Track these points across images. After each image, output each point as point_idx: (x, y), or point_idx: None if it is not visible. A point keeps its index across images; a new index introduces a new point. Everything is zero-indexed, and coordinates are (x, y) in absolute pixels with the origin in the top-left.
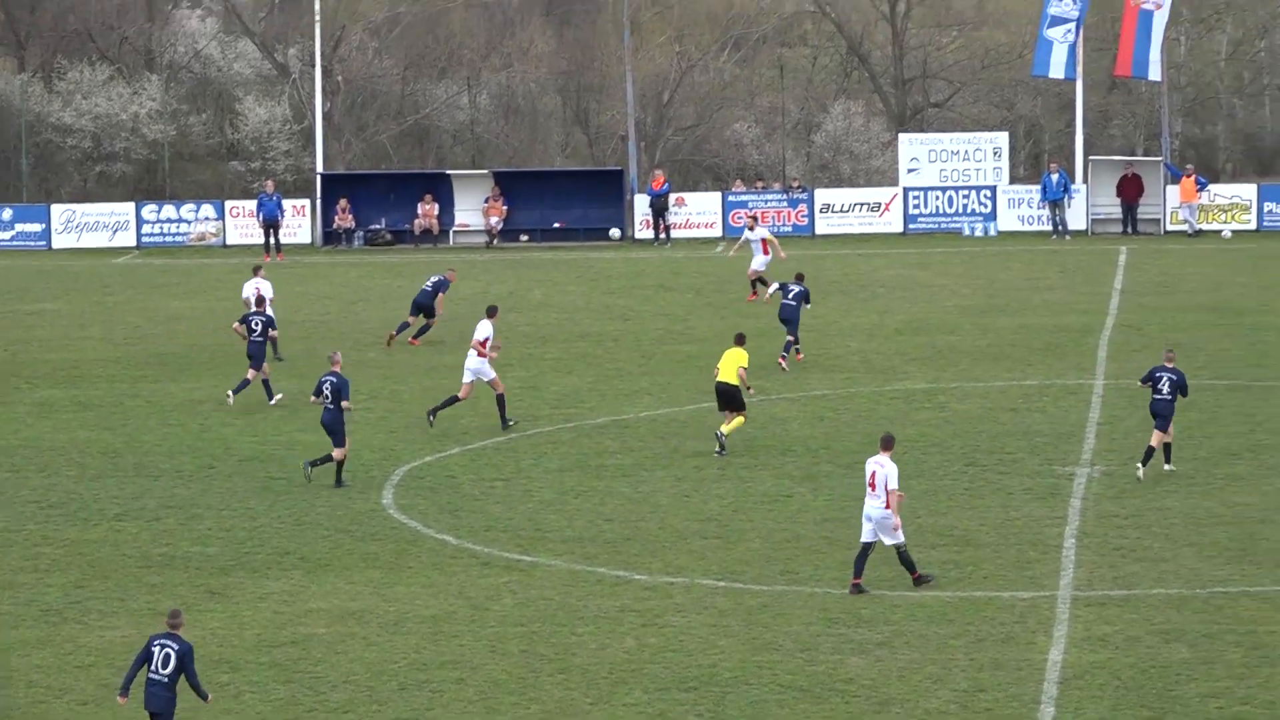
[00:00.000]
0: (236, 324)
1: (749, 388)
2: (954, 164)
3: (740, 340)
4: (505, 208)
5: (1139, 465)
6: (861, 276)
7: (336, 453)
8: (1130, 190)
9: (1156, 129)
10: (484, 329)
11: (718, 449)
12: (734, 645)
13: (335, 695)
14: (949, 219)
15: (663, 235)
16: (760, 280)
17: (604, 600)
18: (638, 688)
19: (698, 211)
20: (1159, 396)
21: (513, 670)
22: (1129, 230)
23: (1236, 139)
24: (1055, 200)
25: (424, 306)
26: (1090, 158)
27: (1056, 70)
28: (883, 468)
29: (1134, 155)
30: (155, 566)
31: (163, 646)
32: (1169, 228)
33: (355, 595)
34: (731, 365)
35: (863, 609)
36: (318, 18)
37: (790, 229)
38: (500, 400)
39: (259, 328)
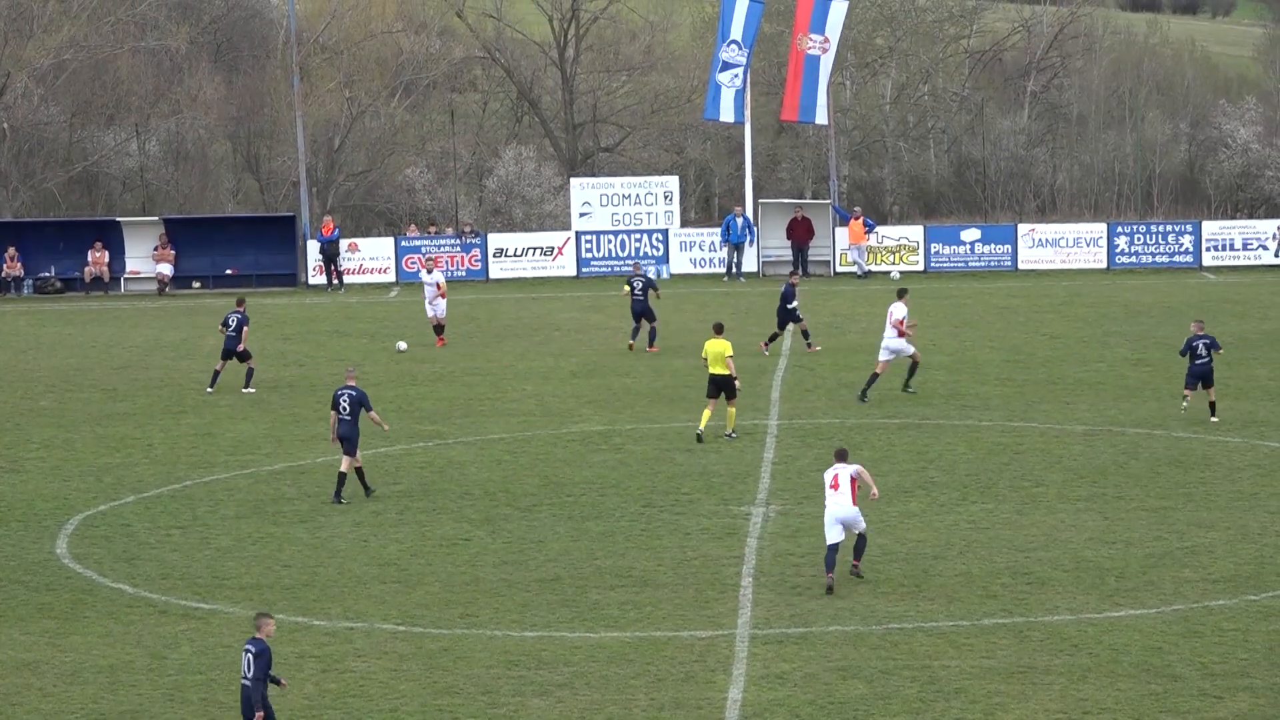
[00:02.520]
0: None
1: (735, 377)
2: (626, 208)
3: (719, 329)
4: (174, 253)
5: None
6: (536, 320)
7: (345, 463)
8: (800, 232)
9: (825, 172)
10: (899, 309)
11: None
12: (415, 689)
13: None
14: (622, 262)
15: (335, 281)
16: (439, 327)
17: (283, 647)
18: None
19: (371, 257)
20: (1200, 361)
21: (192, 719)
22: (799, 272)
23: (902, 181)
24: (738, 244)
25: (233, 351)
26: (760, 200)
27: (726, 114)
28: (846, 468)
29: (803, 198)
30: None
31: (246, 651)
32: (839, 269)
33: (30, 646)
34: (718, 356)
35: (543, 650)
36: None
37: (464, 274)
38: (913, 368)
39: None
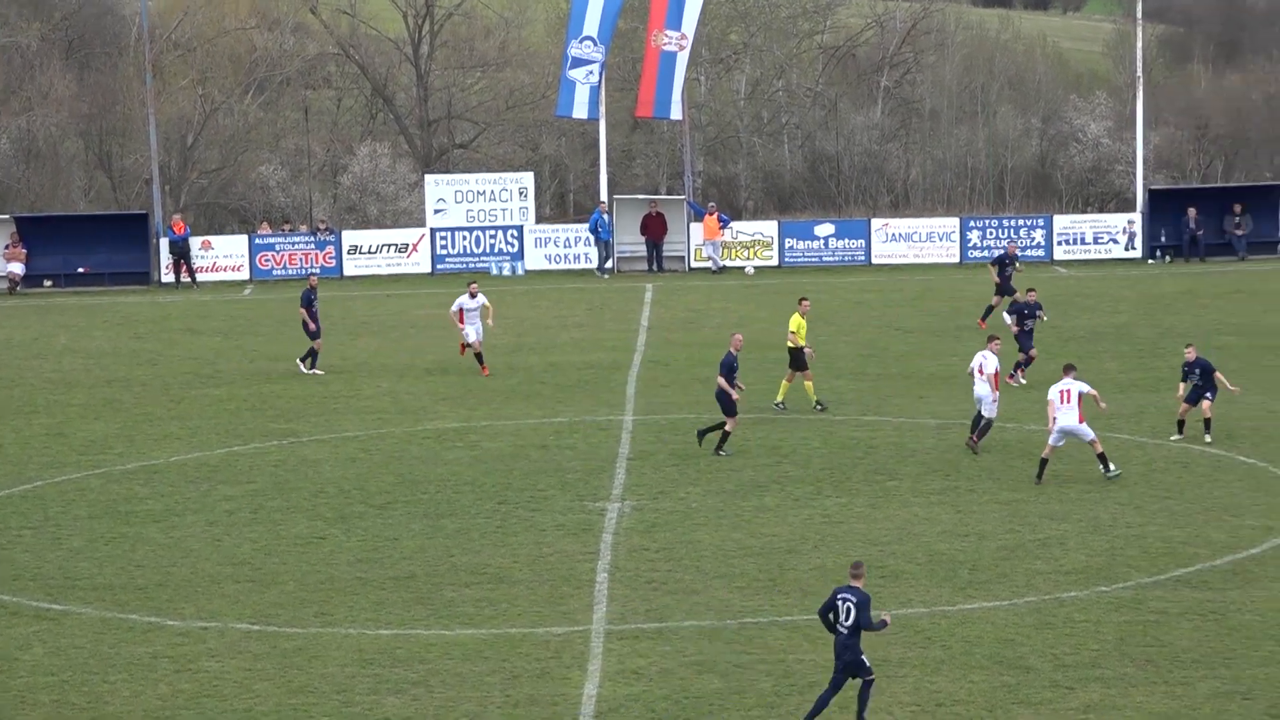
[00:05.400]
0: None
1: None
2: (481, 204)
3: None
4: (25, 252)
5: (1206, 438)
6: (391, 317)
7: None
8: (655, 228)
9: (679, 168)
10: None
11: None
12: (269, 689)
13: None
14: (477, 259)
15: (188, 279)
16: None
17: (136, 647)
18: None
19: (224, 255)
20: (1198, 385)
21: None
22: (654, 268)
23: (757, 177)
24: (606, 240)
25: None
26: (615, 196)
27: (580, 111)
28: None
29: (658, 194)
30: None
31: (844, 600)
32: (693, 265)
33: None
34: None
35: (398, 648)
36: None
37: (319, 271)
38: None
39: None
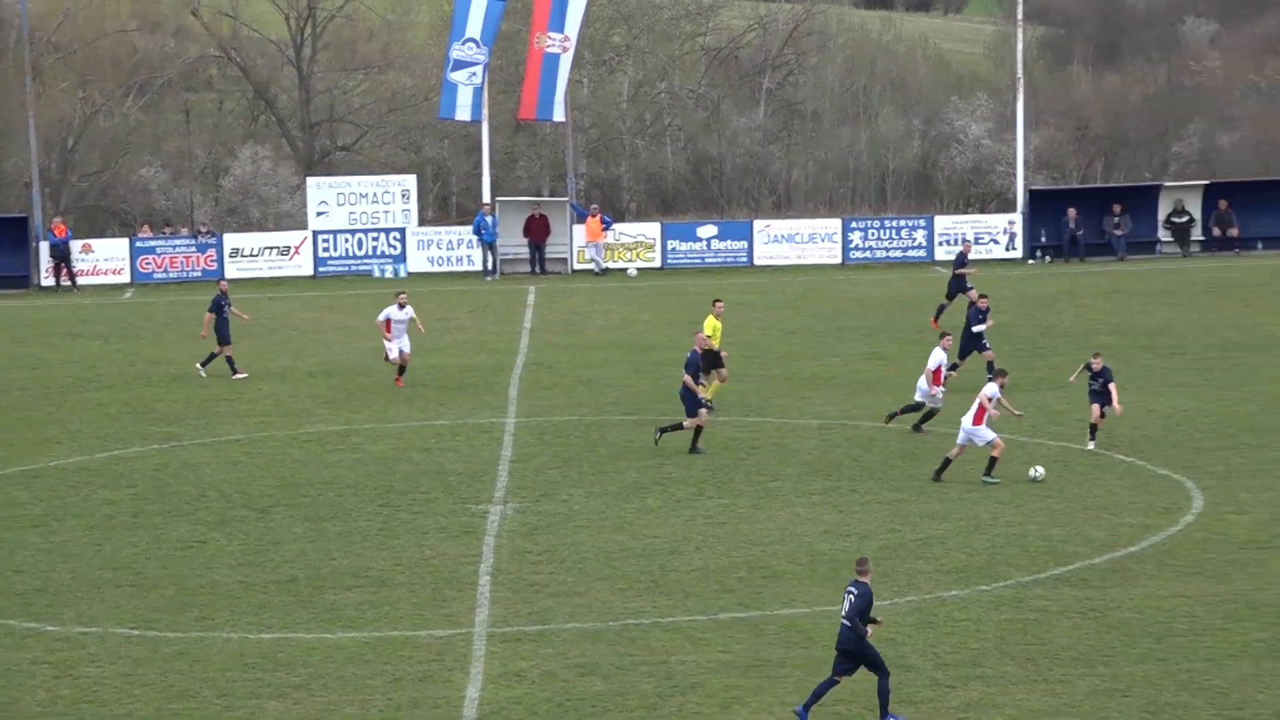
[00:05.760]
0: None
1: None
2: (363, 207)
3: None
4: None
5: (1090, 444)
6: (273, 320)
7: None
8: (538, 230)
9: (562, 170)
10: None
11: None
12: (150, 694)
13: None
14: (359, 261)
15: (67, 282)
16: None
17: (14, 653)
18: None
19: (105, 258)
20: (1094, 388)
21: None
22: (537, 270)
23: (640, 178)
24: (490, 242)
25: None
26: (497, 199)
27: (463, 113)
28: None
29: (540, 196)
30: None
31: (848, 593)
32: (576, 266)
33: None
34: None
35: (280, 652)
36: None
37: (200, 274)
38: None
39: None
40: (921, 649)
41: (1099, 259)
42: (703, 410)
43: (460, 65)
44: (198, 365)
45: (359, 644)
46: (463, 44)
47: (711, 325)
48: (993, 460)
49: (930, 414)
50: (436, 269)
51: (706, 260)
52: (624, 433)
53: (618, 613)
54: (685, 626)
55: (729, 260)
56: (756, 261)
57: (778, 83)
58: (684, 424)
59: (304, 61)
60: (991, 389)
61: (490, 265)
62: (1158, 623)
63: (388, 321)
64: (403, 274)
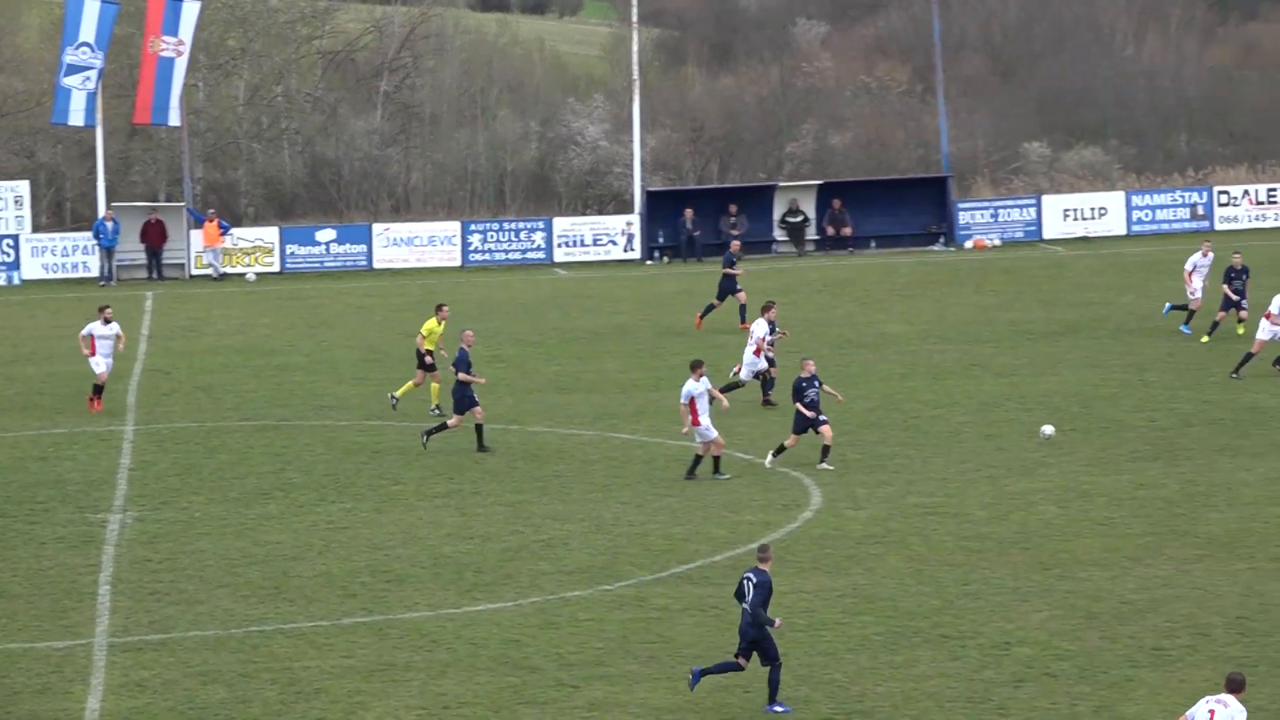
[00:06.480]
0: None
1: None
2: None
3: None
4: None
5: (773, 455)
6: None
7: (452, 420)
8: (154, 236)
9: (179, 174)
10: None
11: None
12: None
13: None
14: None
15: None
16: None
17: None
18: None
19: None
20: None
21: None
22: (154, 276)
23: (257, 183)
24: (109, 247)
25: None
26: (113, 204)
27: (76, 118)
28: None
29: (157, 201)
30: None
31: (748, 580)
32: (194, 272)
33: None
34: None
35: None
36: None
37: None
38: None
39: None
40: (546, 649)
41: (716, 259)
42: (476, 410)
43: (74, 70)
44: None
45: None
46: (76, 48)
47: (429, 327)
48: (717, 460)
49: (769, 382)
50: (52, 276)
51: (326, 264)
52: (244, 439)
53: (240, 620)
54: (309, 632)
55: (348, 264)
56: (376, 265)
57: (395, 85)
58: (450, 423)
59: None
60: (693, 386)
61: (107, 271)
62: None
63: (91, 337)
64: (16, 281)
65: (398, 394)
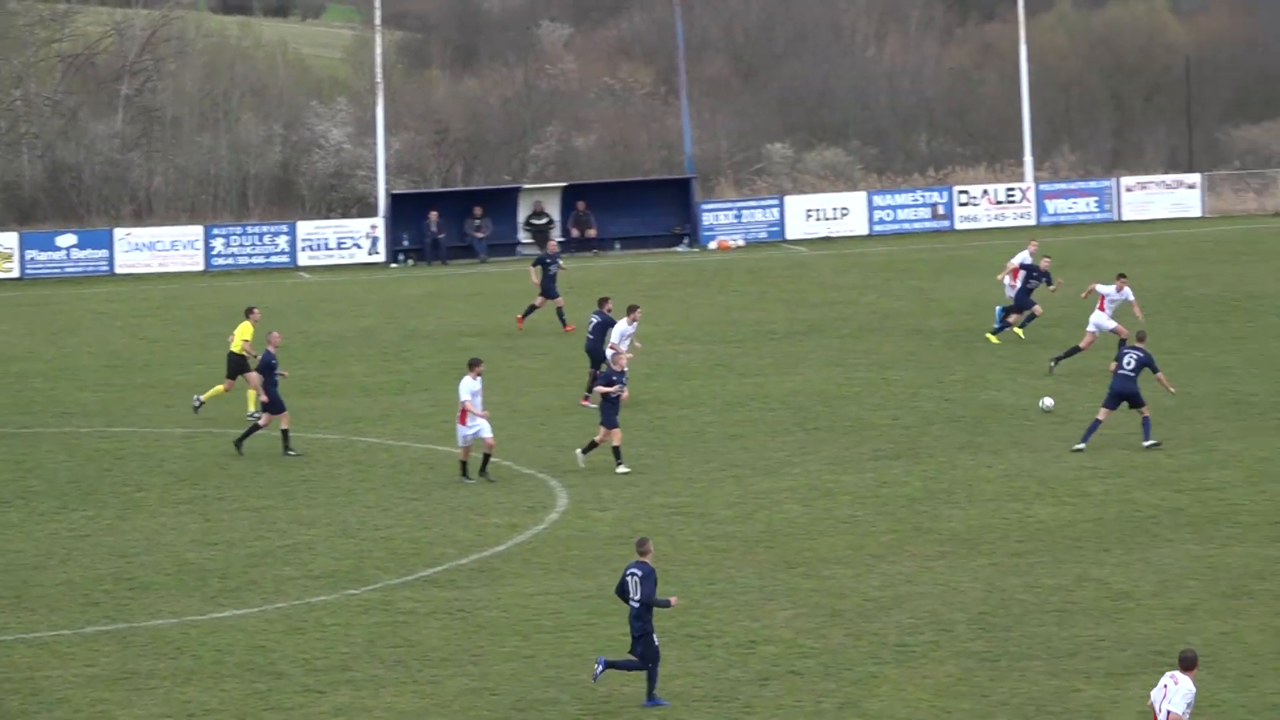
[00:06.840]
0: None
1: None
2: None
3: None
4: None
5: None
6: None
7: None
8: None
9: None
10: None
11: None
12: None
13: None
14: None
15: None
16: None
17: None
18: None
19: None
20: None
21: None
22: None
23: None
24: None
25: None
26: None
27: None
28: None
29: None
30: None
31: (632, 575)
32: None
33: None
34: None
35: None
36: None
37: None
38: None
39: None
40: (291, 655)
41: (461, 261)
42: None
43: None
44: None
45: None
46: None
47: (241, 330)
48: (486, 456)
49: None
50: None
51: (67, 270)
52: None
53: None
54: (51, 642)
55: (90, 269)
56: (118, 270)
57: (136, 89)
58: (261, 421)
59: None
60: (471, 384)
61: None
62: (525, 620)
63: None
64: None
65: (203, 397)
